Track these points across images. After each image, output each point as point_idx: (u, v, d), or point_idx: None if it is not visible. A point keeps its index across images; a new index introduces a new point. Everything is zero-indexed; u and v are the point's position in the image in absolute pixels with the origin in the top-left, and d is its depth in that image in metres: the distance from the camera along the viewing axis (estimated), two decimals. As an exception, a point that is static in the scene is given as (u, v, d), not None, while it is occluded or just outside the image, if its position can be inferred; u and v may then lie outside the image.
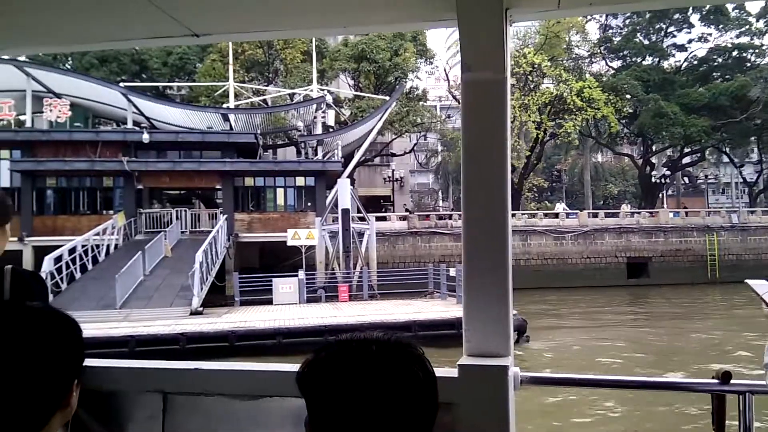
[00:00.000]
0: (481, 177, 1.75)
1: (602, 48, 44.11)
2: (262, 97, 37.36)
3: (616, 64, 46.53)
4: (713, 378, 1.74)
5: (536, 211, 39.47)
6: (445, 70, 41.12)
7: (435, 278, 22.88)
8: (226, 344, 15.27)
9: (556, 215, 38.26)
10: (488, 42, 1.72)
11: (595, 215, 38.56)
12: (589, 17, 40.81)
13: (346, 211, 23.81)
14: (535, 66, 36.15)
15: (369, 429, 0.94)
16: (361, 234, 25.30)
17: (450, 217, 38.09)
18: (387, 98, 34.69)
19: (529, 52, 36.21)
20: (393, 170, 45.47)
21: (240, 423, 1.85)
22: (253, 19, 2.09)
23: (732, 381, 1.71)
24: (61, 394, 1.13)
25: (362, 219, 27.22)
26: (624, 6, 2.13)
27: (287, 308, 20.49)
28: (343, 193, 24.00)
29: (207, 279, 21.75)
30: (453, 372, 1.58)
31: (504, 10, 1.71)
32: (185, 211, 29.47)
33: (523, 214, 38.41)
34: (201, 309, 19.30)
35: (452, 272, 19.67)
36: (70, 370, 1.16)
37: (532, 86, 38.29)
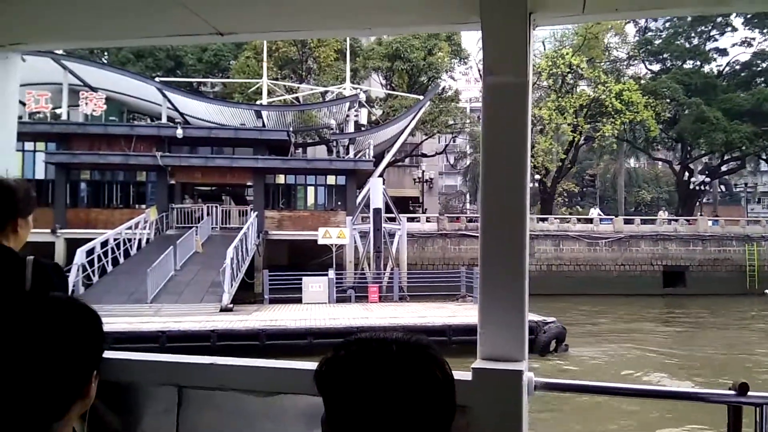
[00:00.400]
0: (500, 181, 1.74)
1: (641, 51, 42.94)
2: (294, 95, 37.24)
3: (655, 67, 45.34)
4: (730, 389, 1.70)
5: (570, 216, 38.56)
6: (478, 70, 40.43)
7: (467, 281, 22.35)
8: (256, 343, 15.00)
9: (590, 220, 37.34)
10: (511, 46, 1.72)
11: (631, 221, 37.51)
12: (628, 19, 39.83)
13: (377, 211, 23.43)
14: (573, 67, 35.31)
15: (385, 429, 0.94)
16: (391, 234, 24.89)
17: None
18: (420, 97, 34.24)
19: (566, 53, 35.38)
20: (423, 171, 44.93)
21: (253, 419, 1.87)
22: (278, 19, 2.09)
23: (749, 393, 1.66)
24: (81, 384, 1.18)
25: (392, 219, 26.84)
26: (649, 12, 2.10)
27: (317, 308, 20.18)
28: (375, 192, 23.62)
29: (237, 276, 21.58)
30: (467, 375, 1.57)
31: (528, 15, 1.71)
32: (216, 207, 29.44)
33: (555, 218, 37.57)
34: (231, 306, 19.11)
35: (487, 276, 19.09)
36: (90, 361, 1.20)
37: (568, 88, 37.44)
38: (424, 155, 45.22)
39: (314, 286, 22.02)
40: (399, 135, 33.22)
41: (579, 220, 37.67)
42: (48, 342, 1.12)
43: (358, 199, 30.22)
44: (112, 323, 15.95)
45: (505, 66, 1.73)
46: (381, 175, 31.65)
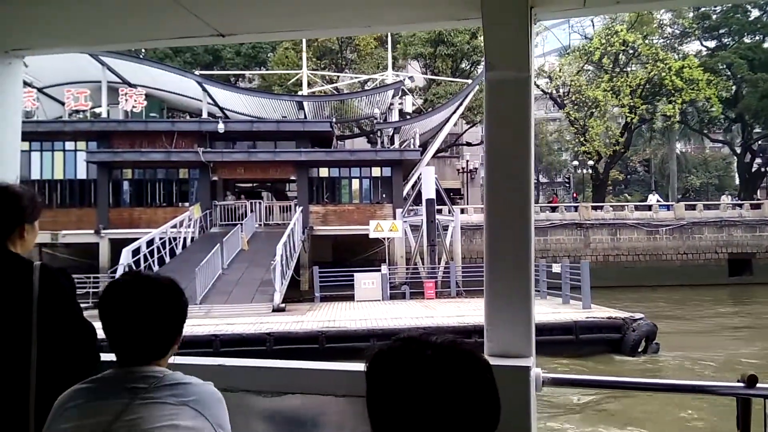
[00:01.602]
0: (504, 176, 1.78)
1: (697, 26, 40.39)
2: (333, 85, 36.17)
3: (711, 44, 42.64)
4: (739, 381, 1.68)
5: (626, 203, 36.55)
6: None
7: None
8: (315, 346, 13.88)
9: (649, 207, 35.28)
10: (513, 41, 1.73)
11: (693, 207, 35.28)
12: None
13: (431, 202, 22.11)
14: (627, 45, 33.23)
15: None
16: (444, 227, 23.55)
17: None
18: (468, 82, 32.69)
19: (620, 30, 33.31)
20: (468, 161, 43.28)
21: (263, 419, 1.92)
22: (278, 19, 2.11)
23: (758, 385, 1.65)
24: (178, 334, 1.55)
25: (439, 211, 25.50)
26: (650, 5, 2.47)
27: (372, 306, 19.00)
28: (428, 182, 22.31)
29: (287, 273, 20.59)
30: None
31: (529, 9, 1.72)
32: (259, 203, 28.61)
33: (611, 206, 35.63)
34: (283, 306, 18.10)
35: (556, 268, 17.60)
36: (183, 318, 1.56)
37: (622, 66, 35.34)
38: (469, 144, 43.56)
39: (367, 282, 20.88)
40: (444, 123, 31.78)
41: (636, 207, 35.63)
42: (167, 303, 1.50)
43: (405, 191, 29.03)
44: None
45: (507, 61, 1.74)
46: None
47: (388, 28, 2.35)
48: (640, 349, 13.71)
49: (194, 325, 15.12)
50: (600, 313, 14.88)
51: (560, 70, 35.72)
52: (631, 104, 34.19)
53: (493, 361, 1.59)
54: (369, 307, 18.49)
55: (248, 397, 1.90)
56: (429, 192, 21.98)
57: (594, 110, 35.37)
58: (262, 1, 1.94)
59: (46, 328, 1.72)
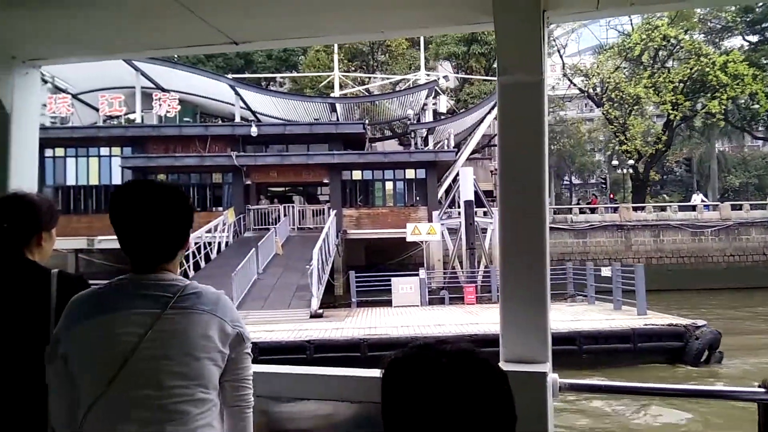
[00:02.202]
0: (518, 181, 1.76)
1: (740, 20, 38.86)
2: (364, 86, 35.76)
3: (753, 38, 41.00)
4: (759, 386, 1.66)
5: (669, 203, 35.29)
6: (559, 51, 37.61)
7: (576, 279, 20.09)
8: (357, 354, 13.36)
9: (693, 208, 33.97)
10: (525, 44, 1.73)
11: (739, 207, 33.86)
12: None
13: (469, 204, 21.44)
14: (668, 39, 32.05)
15: None
16: (483, 229, 22.84)
17: (570, 211, 34.80)
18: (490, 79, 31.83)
19: (661, 24, 32.14)
20: (502, 162, 42.36)
21: (278, 424, 1.97)
22: (291, 26, 2.12)
23: None
24: (186, 236, 1.61)
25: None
26: (665, 6, 1.59)
27: (411, 311, 18.42)
28: (466, 183, 21.65)
29: (322, 278, 20.16)
30: None
31: (541, 13, 1.72)
32: (292, 207, 28.33)
33: (653, 207, 34.43)
34: (321, 311, 17.65)
35: (605, 272, 16.77)
36: (190, 221, 1.61)
37: (662, 62, 34.13)
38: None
39: (404, 287, 20.29)
40: (479, 123, 31.07)
41: (680, 207, 34.35)
42: (176, 208, 1.57)
43: (440, 193, 28.44)
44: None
45: (520, 65, 1.73)
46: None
47: (401, 33, 2.40)
48: (702, 359, 12.85)
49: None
50: (657, 319, 14.03)
51: (598, 66, 34.63)
52: (673, 101, 32.94)
53: (509, 367, 1.64)
54: (408, 313, 17.91)
55: (264, 402, 1.88)
56: (467, 193, 21.32)
57: (634, 108, 34.21)
58: (275, 9, 1.93)
59: None
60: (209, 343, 1.48)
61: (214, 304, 1.53)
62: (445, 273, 22.80)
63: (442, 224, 23.06)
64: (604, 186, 50.74)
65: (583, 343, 12.88)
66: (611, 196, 43.71)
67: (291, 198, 31.43)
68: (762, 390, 1.65)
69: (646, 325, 13.27)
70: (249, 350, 1.64)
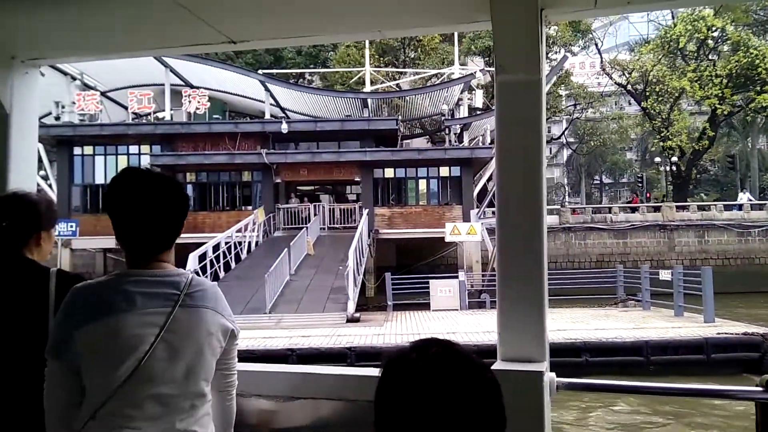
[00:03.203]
0: (516, 179, 1.77)
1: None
2: (395, 82, 34.86)
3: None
4: (758, 386, 1.65)
5: (714, 203, 33.71)
6: (596, 44, 36.15)
7: (627, 282, 18.91)
8: (401, 362, 12.43)
9: (740, 207, 32.36)
10: (523, 43, 1.72)
11: (789, 205, 32.18)
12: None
13: (512, 203, 20.37)
14: (714, 31, 30.51)
15: None
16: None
17: (609, 210, 33.43)
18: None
19: (707, 15, 30.65)
20: (534, 160, 41.20)
21: (275, 423, 1.95)
22: (289, 25, 2.11)
23: None
24: (181, 226, 1.62)
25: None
26: (661, 4, 2.36)
27: (451, 316, 17.47)
28: (508, 181, 20.56)
29: (357, 280, 19.32)
30: None
31: (539, 11, 1.71)
32: (323, 206, 27.56)
33: (697, 206, 32.89)
34: (357, 315, 16.79)
35: (665, 275, 15.59)
36: (186, 209, 1.62)
37: (706, 54, 32.56)
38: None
39: (443, 290, 19.33)
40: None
41: (726, 207, 32.74)
42: (166, 191, 1.56)
43: (476, 191, 27.43)
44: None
45: (518, 64, 1.73)
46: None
47: (399, 32, 2.40)
48: (782, 371, 11.65)
49: (267, 337, 14.00)
50: (729, 327, 12.85)
51: (639, 59, 33.17)
52: (719, 95, 31.37)
53: (506, 366, 1.72)
54: (450, 318, 16.97)
55: (261, 401, 1.92)
56: (544, 190, 20.20)
57: (677, 102, 32.74)
58: (273, 8, 1.94)
59: None
60: (212, 338, 1.54)
61: (215, 300, 1.57)
62: (483, 275, 21.76)
63: (483, 223, 22.01)
64: (640, 184, 49.07)
65: (650, 353, 11.78)
66: (648, 195, 42.17)
67: (318, 197, 30.76)
68: (760, 389, 1.64)
69: (719, 334, 12.11)
70: (238, 342, 1.70)
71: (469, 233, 19.78)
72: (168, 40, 2.23)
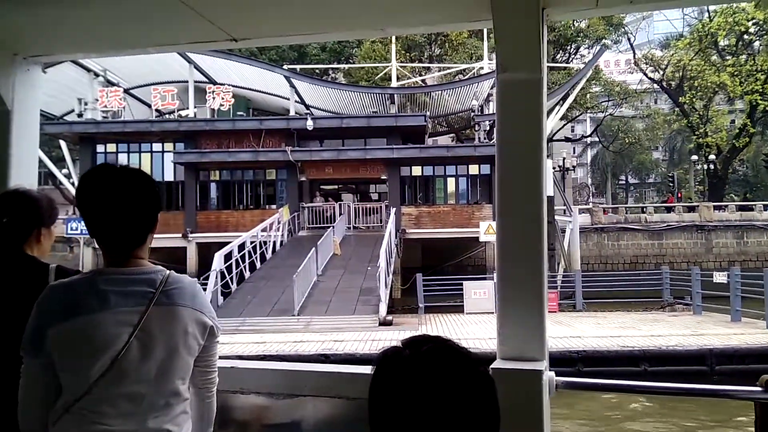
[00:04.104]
0: (516, 178, 1.78)
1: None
2: (421, 78, 34.08)
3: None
4: (757, 385, 1.65)
5: (754, 203, 32.40)
6: (629, 39, 34.95)
7: (675, 285, 17.90)
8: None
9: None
10: (524, 42, 1.73)
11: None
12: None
13: (549, 200, 19.42)
14: (757, 22, 29.24)
15: None
16: (562, 229, 20.81)
17: (643, 210, 32.29)
18: (576, 65, 29.66)
19: (746, 6, 29.41)
20: (564, 158, 40.06)
21: (274, 421, 1.97)
22: (291, 23, 2.12)
23: None
24: (155, 220, 1.58)
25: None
26: (663, 4, 2.31)
27: (489, 319, 16.60)
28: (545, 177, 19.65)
29: (388, 281, 18.56)
30: None
31: (540, 10, 1.71)
32: (348, 205, 26.86)
33: (736, 206, 31.63)
34: (390, 318, 16.01)
35: (719, 278, 14.58)
36: (159, 206, 1.59)
37: (744, 48, 31.27)
38: (569, 139, 40.29)
39: (477, 292, 18.49)
40: (548, 113, 28.96)
41: (766, 207, 31.43)
42: (138, 186, 1.55)
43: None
44: (265, 342, 13.36)
45: (519, 62, 1.73)
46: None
47: (401, 30, 2.52)
48: None
49: (298, 341, 13.30)
50: (799, 335, 11.87)
51: (674, 53, 31.95)
52: (760, 90, 30.06)
53: (506, 365, 1.71)
54: (486, 322, 16.10)
55: (260, 399, 1.91)
56: (546, 188, 19.32)
57: (713, 98, 31.50)
58: (274, 6, 1.94)
59: None
60: (189, 337, 1.52)
61: (193, 297, 1.56)
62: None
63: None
64: (671, 184, 47.61)
65: (714, 362, 10.84)
66: (679, 195, 40.85)
67: (340, 196, 30.10)
68: (760, 389, 1.63)
69: (792, 342, 11.14)
70: (219, 339, 1.68)
71: (505, 233, 18.84)
72: (170, 38, 2.24)
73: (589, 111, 38.55)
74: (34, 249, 1.87)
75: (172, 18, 1.98)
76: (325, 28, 2.20)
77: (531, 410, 1.62)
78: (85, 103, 25.90)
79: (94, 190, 1.52)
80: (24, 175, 2.22)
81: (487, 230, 19.22)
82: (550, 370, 1.71)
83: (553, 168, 42.07)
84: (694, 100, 31.58)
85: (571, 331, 13.57)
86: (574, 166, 40.45)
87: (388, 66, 31.93)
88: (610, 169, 61.37)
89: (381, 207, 26.71)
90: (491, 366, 1.59)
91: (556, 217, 20.28)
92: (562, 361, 10.97)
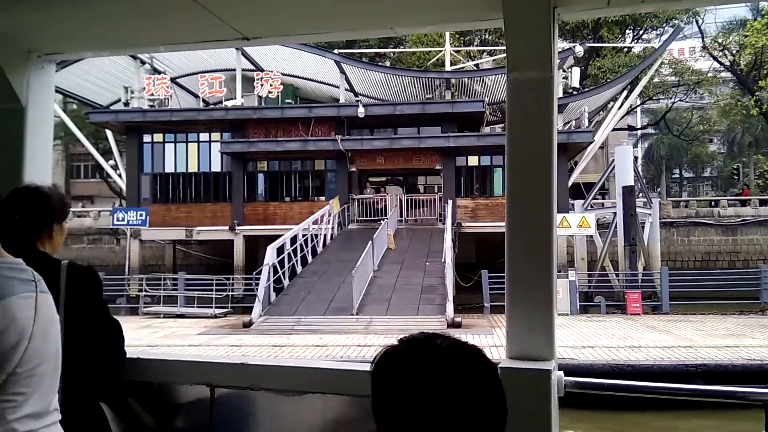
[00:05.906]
0: (527, 178, 1.73)
1: None
2: (474, 62, 32.43)
3: None
4: None
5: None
6: (697, 23, 32.44)
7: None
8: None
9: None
10: (535, 41, 1.70)
11: None
12: None
13: (629, 190, 17.65)
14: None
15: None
16: (641, 222, 18.98)
17: (716, 203, 29.95)
18: (651, 46, 27.48)
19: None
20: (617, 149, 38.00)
21: (283, 417, 1.96)
22: (302, 22, 2.12)
23: None
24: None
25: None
26: (675, 3, 2.18)
27: (570, 323, 14.99)
28: (624, 165, 17.92)
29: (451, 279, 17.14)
30: None
31: (551, 9, 1.69)
32: (399, 197, 25.52)
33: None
34: (459, 319, 14.59)
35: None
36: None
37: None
38: (632, 128, 38.00)
39: (550, 291, 16.87)
40: (612, 101, 27.09)
41: None
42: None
43: (572, 179, 24.82)
44: (326, 345, 12.11)
45: (530, 61, 1.71)
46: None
47: (411, 29, 2.31)
48: None
49: (361, 345, 12.00)
50: None
51: (749, 37, 29.41)
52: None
53: (514, 364, 1.68)
54: (568, 326, 14.50)
55: (269, 396, 1.92)
56: (626, 177, 17.55)
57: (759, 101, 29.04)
58: (286, 5, 1.94)
59: (72, 325, 1.75)
60: (56, 320, 1.57)
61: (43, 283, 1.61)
62: (591, 275, 19.13)
63: (596, 216, 19.29)
64: (735, 176, 44.64)
65: None
66: (745, 191, 38.16)
67: (385, 188, 28.76)
68: None
69: None
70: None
71: (581, 225, 17.19)
72: (182, 36, 2.24)
73: (652, 99, 36.15)
74: (46, 245, 1.90)
75: (184, 16, 1.97)
76: (336, 27, 2.21)
77: (539, 410, 1.59)
78: (132, 92, 25.17)
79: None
80: (38, 171, 2.25)
81: (561, 223, 17.52)
82: (559, 370, 1.67)
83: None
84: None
85: (674, 339, 11.85)
86: (636, 157, 38.21)
87: (441, 51, 30.35)
88: (664, 162, 58.51)
89: (435, 199, 25.30)
90: (499, 365, 1.48)
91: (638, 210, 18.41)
92: (677, 376, 9.37)
